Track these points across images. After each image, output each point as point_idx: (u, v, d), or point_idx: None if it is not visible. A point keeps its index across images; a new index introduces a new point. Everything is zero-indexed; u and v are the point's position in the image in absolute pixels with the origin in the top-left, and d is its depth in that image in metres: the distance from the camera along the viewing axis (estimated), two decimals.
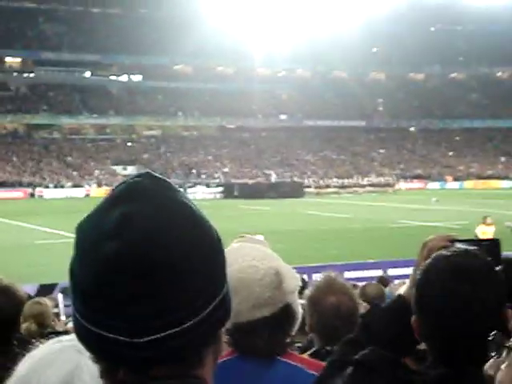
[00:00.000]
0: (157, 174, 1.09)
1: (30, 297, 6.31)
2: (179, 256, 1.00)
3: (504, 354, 1.51)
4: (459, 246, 1.90)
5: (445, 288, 1.72)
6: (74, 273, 1.04)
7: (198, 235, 1.04)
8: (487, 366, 1.64)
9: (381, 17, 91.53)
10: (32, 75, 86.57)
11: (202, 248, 1.04)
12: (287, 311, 2.03)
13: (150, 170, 1.10)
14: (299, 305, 2.10)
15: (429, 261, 1.80)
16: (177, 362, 1.04)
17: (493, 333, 1.59)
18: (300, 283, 2.09)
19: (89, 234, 1.03)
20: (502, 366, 1.55)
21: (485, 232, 20.18)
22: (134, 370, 1.03)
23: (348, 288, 3.36)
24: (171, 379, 1.04)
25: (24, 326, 4.65)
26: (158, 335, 1.00)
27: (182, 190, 1.10)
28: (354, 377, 2.34)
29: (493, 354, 1.64)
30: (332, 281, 3.31)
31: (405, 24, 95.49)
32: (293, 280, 2.03)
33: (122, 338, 1.00)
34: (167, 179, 1.09)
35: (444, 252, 1.80)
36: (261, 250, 2.08)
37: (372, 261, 19.14)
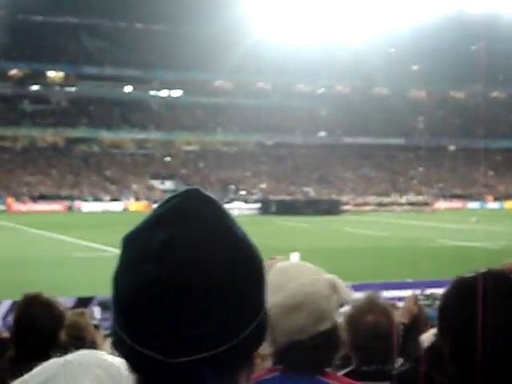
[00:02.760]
0: (204, 192, 1.11)
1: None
2: (219, 282, 1.02)
3: None
4: None
5: (461, 312, 1.69)
6: (116, 285, 1.07)
7: (239, 261, 1.05)
8: None
9: (421, 34, 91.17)
10: (73, 89, 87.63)
11: (243, 274, 1.05)
12: (337, 324, 2.05)
13: (198, 187, 1.12)
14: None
15: (450, 285, 1.78)
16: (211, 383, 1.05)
17: None
18: (353, 295, 2.13)
19: (132, 252, 1.07)
20: None
21: None
22: None
23: (387, 308, 3.35)
24: None
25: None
26: (193, 357, 1.02)
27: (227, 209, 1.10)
28: None
29: None
30: (372, 300, 3.31)
31: (445, 42, 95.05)
32: (347, 290, 2.05)
33: (156, 356, 1.02)
34: (214, 198, 1.11)
35: (465, 275, 1.76)
36: (310, 265, 2.10)
37: (410, 280, 18.93)
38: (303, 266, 2.08)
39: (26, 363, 3.07)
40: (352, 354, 3.27)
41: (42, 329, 3.33)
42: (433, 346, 2.25)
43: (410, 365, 2.57)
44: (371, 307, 3.24)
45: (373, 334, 3.13)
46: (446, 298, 1.77)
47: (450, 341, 1.71)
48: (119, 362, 1.10)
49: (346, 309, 3.43)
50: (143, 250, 1.04)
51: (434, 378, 2.05)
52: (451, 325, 1.70)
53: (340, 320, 3.24)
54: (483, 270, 1.74)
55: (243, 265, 1.06)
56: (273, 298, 1.96)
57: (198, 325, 1.01)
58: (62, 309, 3.66)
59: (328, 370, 2.05)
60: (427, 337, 4.40)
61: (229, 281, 1.03)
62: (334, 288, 2.00)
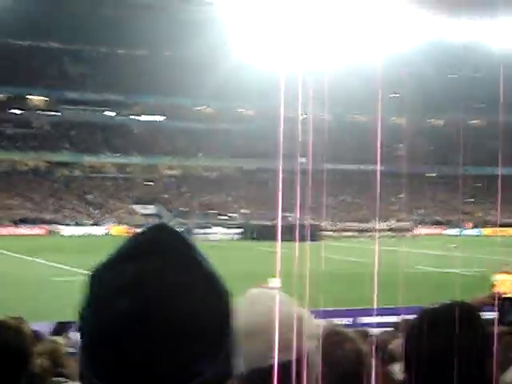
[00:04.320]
0: (172, 227, 1.11)
1: (36, 335, 6.22)
2: (189, 318, 1.02)
3: None
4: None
5: (421, 341, 1.75)
6: (83, 322, 1.06)
7: (209, 297, 1.06)
8: None
9: (401, 61, 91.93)
10: (55, 114, 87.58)
11: (212, 310, 1.06)
12: (306, 357, 1.94)
13: (165, 223, 1.14)
14: (318, 352, 2.00)
15: (414, 317, 1.87)
16: None
17: None
18: (320, 329, 2.03)
19: (102, 287, 1.05)
20: None
21: (504, 280, 20.00)
22: None
23: (356, 337, 3.39)
24: None
25: (38, 361, 4.65)
26: None
27: (194, 243, 1.12)
28: None
29: None
30: (341, 330, 3.33)
31: (425, 70, 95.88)
32: (313, 325, 2.00)
33: None
34: (182, 233, 1.11)
35: (429, 307, 1.85)
36: (280, 294, 2.02)
37: (388, 307, 19.04)
38: (268, 294, 2.00)
39: None
40: None
41: (10, 356, 3.26)
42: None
43: None
44: (344, 336, 3.28)
45: (354, 360, 2.99)
46: (409, 329, 1.86)
47: (413, 372, 1.78)
48: None
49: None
50: (113, 286, 1.03)
51: None
52: (414, 355, 1.77)
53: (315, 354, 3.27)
54: (447, 302, 1.83)
55: (212, 300, 1.06)
56: None
57: (170, 361, 1.00)
58: (29, 332, 3.69)
59: None
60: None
61: (199, 317, 1.03)
62: (298, 320, 1.92)
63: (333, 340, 3.22)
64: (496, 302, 2.11)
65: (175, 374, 1.01)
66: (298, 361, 1.91)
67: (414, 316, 1.90)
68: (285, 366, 1.88)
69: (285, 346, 1.89)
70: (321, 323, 2.08)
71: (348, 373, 3.06)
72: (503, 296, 2.16)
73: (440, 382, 1.71)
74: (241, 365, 1.91)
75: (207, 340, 1.04)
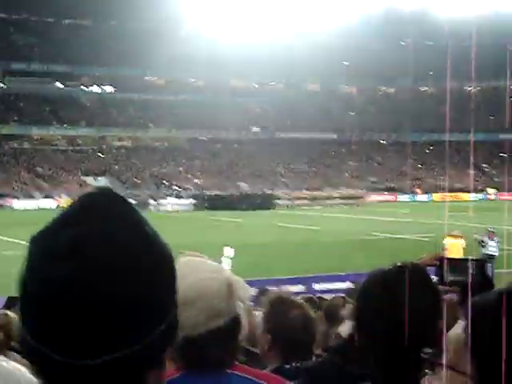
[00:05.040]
0: (114, 191, 1.09)
1: None
2: (127, 284, 1.00)
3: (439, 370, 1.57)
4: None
5: (374, 301, 1.80)
6: (24, 286, 1.04)
7: (149, 262, 1.03)
8: (422, 382, 1.73)
9: (353, 31, 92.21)
10: (2, 85, 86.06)
11: (153, 276, 1.03)
12: (237, 322, 2.02)
13: (109, 187, 1.12)
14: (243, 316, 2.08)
15: (366, 279, 1.89)
16: None
17: (427, 350, 1.68)
18: (251, 293, 2.08)
19: (41, 252, 1.03)
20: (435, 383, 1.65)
21: (453, 244, 20.35)
22: None
23: (303, 303, 3.39)
24: None
25: None
26: (97, 359, 0.99)
27: (137, 207, 1.09)
28: None
29: (428, 371, 1.74)
30: (288, 297, 3.34)
31: (376, 38, 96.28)
32: (244, 290, 2.03)
33: (64, 358, 1.00)
34: (125, 197, 1.09)
35: (380, 268, 1.88)
36: (211, 262, 2.07)
37: (341, 273, 19.23)
38: (201, 262, 2.05)
39: None
40: (274, 351, 3.16)
41: None
42: (348, 339, 2.35)
43: (324, 357, 2.62)
44: (291, 303, 3.25)
45: (300, 327, 3.13)
46: (362, 291, 1.87)
47: (366, 332, 1.81)
48: (18, 369, 1.08)
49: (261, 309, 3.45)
50: (51, 250, 1.02)
51: (346, 370, 2.15)
52: (367, 317, 1.80)
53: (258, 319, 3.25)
54: (398, 263, 1.86)
55: (153, 266, 1.04)
56: None
57: (104, 326, 0.99)
58: None
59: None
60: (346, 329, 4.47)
61: (137, 282, 1.01)
62: (230, 287, 1.98)
63: (280, 307, 3.26)
64: (438, 262, 2.18)
65: (108, 339, 1.00)
66: (228, 327, 1.97)
67: (364, 280, 1.94)
68: (214, 333, 1.94)
69: (216, 313, 1.94)
70: (251, 289, 2.11)
71: (295, 339, 3.09)
72: (445, 257, 2.21)
73: (393, 342, 1.74)
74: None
75: (148, 306, 1.02)
